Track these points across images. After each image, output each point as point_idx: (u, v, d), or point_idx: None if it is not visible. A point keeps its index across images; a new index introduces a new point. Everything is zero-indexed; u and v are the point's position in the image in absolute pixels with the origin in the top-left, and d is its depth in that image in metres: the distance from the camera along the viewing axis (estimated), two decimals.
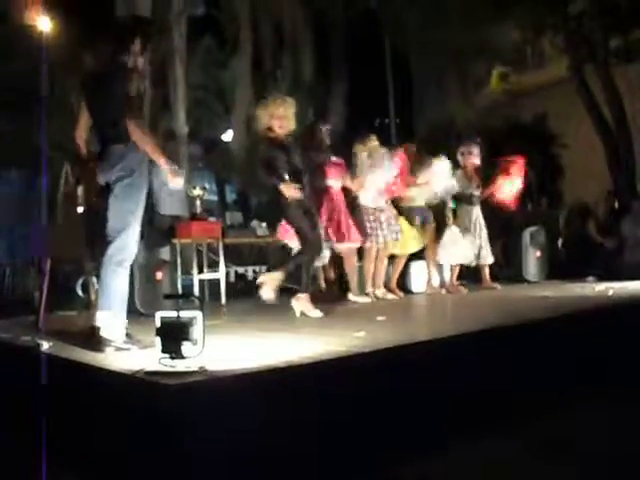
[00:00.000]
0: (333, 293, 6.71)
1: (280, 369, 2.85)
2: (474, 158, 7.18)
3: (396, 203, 6.67)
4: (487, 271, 7.27)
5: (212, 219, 7.12)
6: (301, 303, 5.06)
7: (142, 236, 4.23)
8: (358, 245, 6.22)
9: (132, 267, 4.15)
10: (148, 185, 3.83)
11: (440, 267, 7.19)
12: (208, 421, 2.51)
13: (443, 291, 7.05)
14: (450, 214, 7.01)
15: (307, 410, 2.78)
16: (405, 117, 20.39)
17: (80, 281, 7.35)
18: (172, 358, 2.71)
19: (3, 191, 6.38)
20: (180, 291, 5.98)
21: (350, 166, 6.31)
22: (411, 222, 6.73)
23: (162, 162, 3.71)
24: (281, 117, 5.18)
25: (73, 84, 13.22)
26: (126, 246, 3.71)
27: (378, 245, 6.31)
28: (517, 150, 9.08)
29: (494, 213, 7.41)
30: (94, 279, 5.61)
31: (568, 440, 3.22)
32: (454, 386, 3.36)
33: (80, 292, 7.40)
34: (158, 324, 2.76)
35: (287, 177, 5.09)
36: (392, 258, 6.72)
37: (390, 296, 6.49)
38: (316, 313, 5.03)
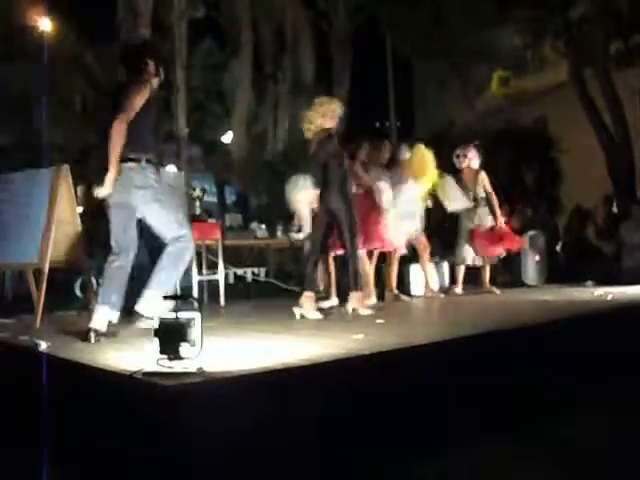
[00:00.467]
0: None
1: (278, 371, 2.85)
2: (469, 161, 7.14)
3: None
4: (487, 274, 7.26)
5: (212, 220, 7.13)
6: (306, 303, 5.15)
7: (141, 236, 4.25)
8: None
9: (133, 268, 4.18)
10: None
11: (440, 270, 7.20)
12: (206, 422, 2.51)
13: (442, 295, 7.05)
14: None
15: (305, 412, 2.78)
16: (406, 120, 20.42)
17: (79, 282, 7.37)
18: (170, 359, 2.71)
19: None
20: (179, 292, 5.98)
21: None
22: None
23: (111, 166, 3.96)
24: (333, 115, 5.38)
25: (74, 84, 13.28)
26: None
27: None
28: (516, 155, 9.04)
29: None
30: (93, 280, 5.63)
31: (568, 442, 3.22)
32: (452, 389, 3.36)
33: (79, 292, 7.42)
34: (157, 325, 2.76)
35: None
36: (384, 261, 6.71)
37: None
38: (316, 315, 5.10)
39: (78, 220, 5.27)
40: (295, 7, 16.58)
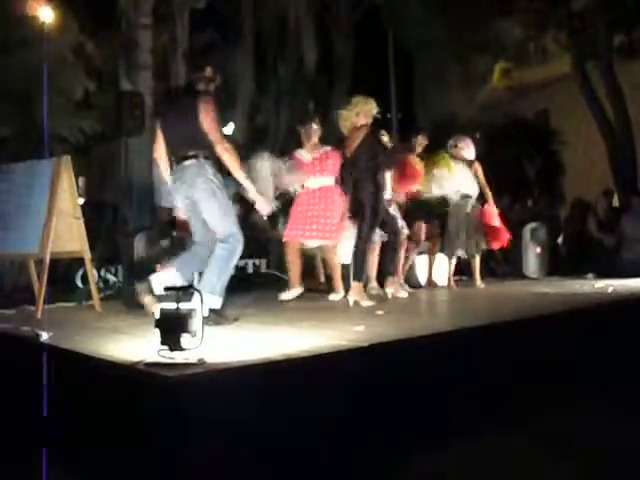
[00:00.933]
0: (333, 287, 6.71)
1: (278, 362, 2.86)
2: (462, 151, 6.94)
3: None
4: (477, 266, 7.19)
5: None
6: (356, 292, 5.37)
7: (142, 228, 4.27)
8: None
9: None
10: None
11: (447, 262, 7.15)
12: (207, 412, 2.52)
13: (445, 286, 7.04)
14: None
15: (305, 403, 2.79)
16: (407, 112, 20.36)
17: (80, 272, 7.37)
18: (171, 350, 2.72)
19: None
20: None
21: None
22: None
23: (239, 176, 4.43)
24: (367, 114, 5.62)
25: (75, 74, 13.24)
26: None
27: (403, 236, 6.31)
28: (517, 147, 9.02)
29: None
30: (94, 271, 5.64)
31: (568, 435, 3.23)
32: (453, 381, 3.36)
33: (80, 283, 7.42)
34: (157, 316, 2.76)
35: None
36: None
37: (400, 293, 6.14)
38: (368, 303, 5.32)
39: (79, 211, 5.27)
40: None
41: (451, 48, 16.47)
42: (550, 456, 2.99)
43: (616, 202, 9.44)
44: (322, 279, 6.83)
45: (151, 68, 9.96)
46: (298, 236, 5.85)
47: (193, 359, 2.72)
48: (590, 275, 7.60)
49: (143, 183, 8.67)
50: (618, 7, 12.96)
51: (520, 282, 7.48)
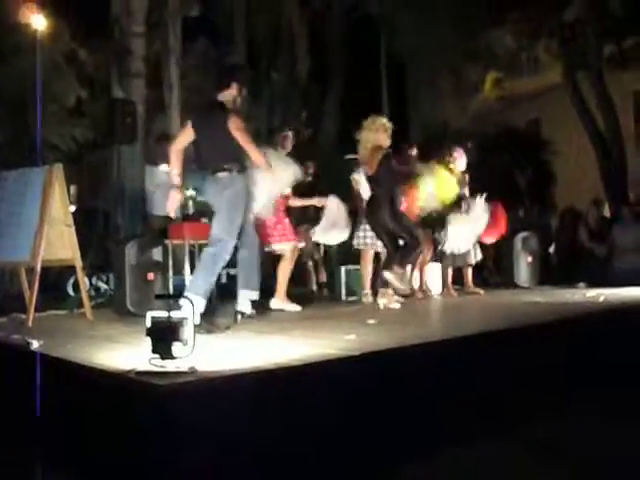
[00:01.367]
0: (324, 295, 6.72)
1: (270, 371, 2.85)
2: (455, 161, 6.98)
3: None
4: (470, 275, 7.23)
5: (204, 220, 7.10)
6: (387, 297, 5.76)
7: (133, 236, 4.27)
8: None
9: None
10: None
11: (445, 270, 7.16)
12: (198, 421, 2.52)
13: (436, 295, 7.05)
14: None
15: (296, 411, 2.79)
16: (399, 121, 20.37)
17: (71, 280, 7.35)
18: (162, 358, 2.71)
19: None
20: (171, 292, 5.97)
21: None
22: None
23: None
24: (385, 129, 5.86)
25: (68, 82, 13.23)
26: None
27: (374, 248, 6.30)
28: (509, 156, 9.05)
29: None
30: (85, 279, 5.62)
31: (560, 443, 3.23)
32: (445, 389, 3.37)
33: (71, 291, 7.40)
34: (149, 324, 2.76)
35: None
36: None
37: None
38: (396, 305, 5.77)
39: (71, 219, 5.26)
40: (290, 6, 16.57)
41: (443, 57, 16.54)
42: (542, 463, 2.99)
43: (607, 211, 9.46)
44: (314, 286, 6.84)
45: (144, 76, 9.96)
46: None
47: (184, 368, 2.71)
48: (581, 284, 7.62)
49: (135, 191, 8.66)
50: (608, 18, 13.07)
51: (512, 291, 7.49)
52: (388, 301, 5.82)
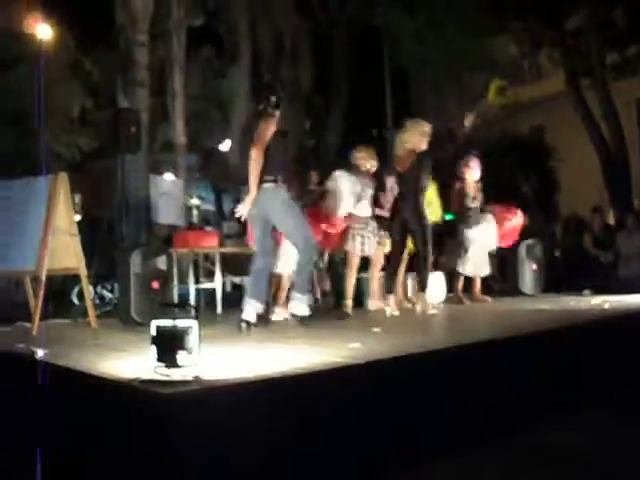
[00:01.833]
0: (329, 303, 6.71)
1: (275, 379, 2.85)
2: (471, 171, 7.18)
3: None
4: (479, 283, 7.25)
5: (209, 229, 7.13)
6: (423, 302, 6.06)
7: (138, 245, 4.28)
8: None
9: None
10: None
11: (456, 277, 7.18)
12: (203, 430, 2.51)
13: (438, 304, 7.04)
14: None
15: (301, 420, 2.78)
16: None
17: (76, 289, 7.36)
18: (167, 367, 2.71)
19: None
20: (176, 300, 5.98)
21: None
22: None
23: (251, 187, 4.81)
24: (424, 134, 6.09)
25: (73, 91, 13.30)
26: None
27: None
28: (513, 164, 9.04)
29: None
30: (90, 287, 5.63)
31: (568, 451, 3.22)
32: (451, 397, 3.36)
33: (76, 300, 7.41)
34: (154, 333, 2.76)
35: None
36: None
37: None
38: (434, 311, 6.04)
39: (75, 228, 5.27)
40: (294, 16, 16.63)
41: (447, 66, 16.56)
42: (551, 472, 2.98)
43: (611, 219, 9.46)
44: (318, 294, 6.83)
45: (148, 85, 10.01)
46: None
47: (189, 376, 2.71)
48: (586, 291, 7.60)
49: (139, 200, 8.69)
50: (610, 27, 13.09)
51: (516, 299, 7.47)
52: (394, 307, 6.01)
